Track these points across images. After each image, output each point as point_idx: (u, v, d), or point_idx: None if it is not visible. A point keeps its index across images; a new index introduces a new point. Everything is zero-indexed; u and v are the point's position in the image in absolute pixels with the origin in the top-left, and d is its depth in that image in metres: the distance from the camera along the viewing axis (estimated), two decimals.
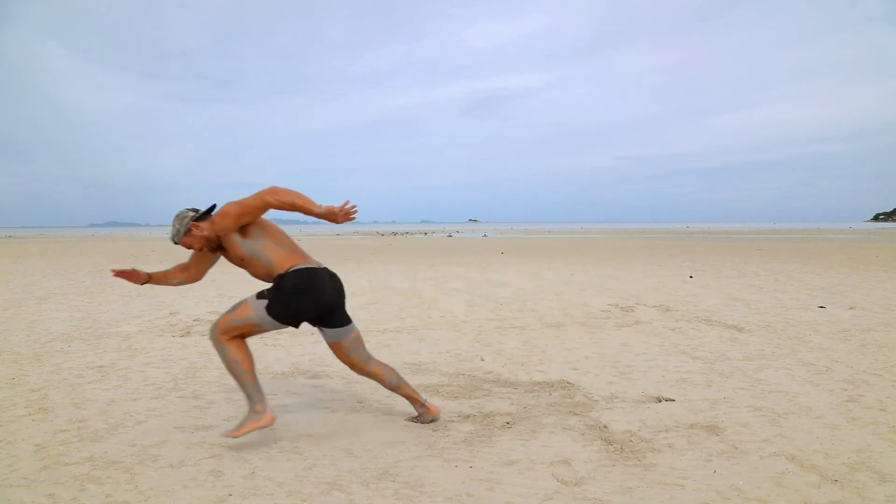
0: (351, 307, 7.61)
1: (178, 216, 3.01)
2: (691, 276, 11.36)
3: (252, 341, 5.58)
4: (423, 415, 3.35)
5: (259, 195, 2.84)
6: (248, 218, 2.91)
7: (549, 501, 2.43)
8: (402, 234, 48.79)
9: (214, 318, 6.83)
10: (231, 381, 4.21)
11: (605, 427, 3.25)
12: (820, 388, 3.95)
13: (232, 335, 2.95)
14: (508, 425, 3.30)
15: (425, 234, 51.76)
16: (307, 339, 5.66)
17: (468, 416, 3.44)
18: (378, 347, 5.31)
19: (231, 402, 3.74)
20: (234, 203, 2.90)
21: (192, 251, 3.18)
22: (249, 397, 2.99)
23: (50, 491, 2.52)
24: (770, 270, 12.53)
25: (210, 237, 3.00)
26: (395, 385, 3.31)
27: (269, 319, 2.91)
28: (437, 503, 2.43)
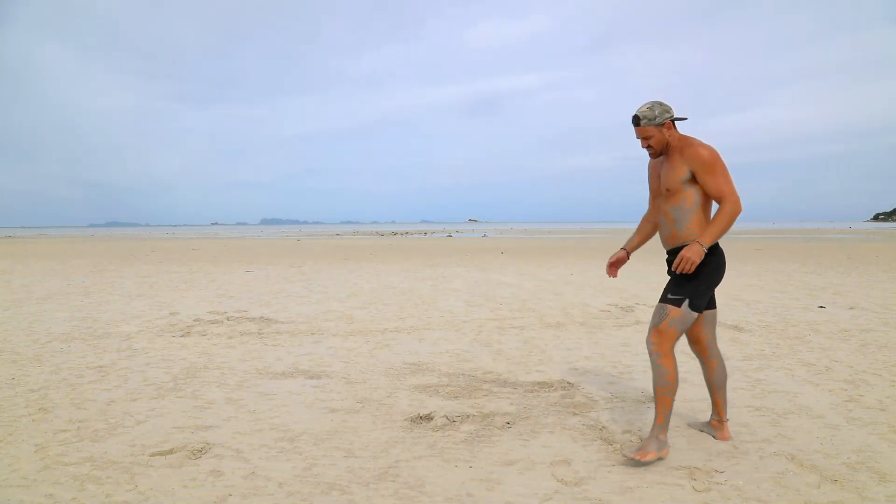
0: (351, 307, 7.61)
1: None
2: None
3: (252, 340, 5.58)
4: (717, 430, 3.11)
5: None
6: None
7: (549, 501, 2.43)
8: (401, 234, 48.79)
9: (214, 317, 6.82)
10: (233, 380, 4.21)
11: (604, 427, 3.25)
12: (820, 388, 3.95)
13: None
14: (508, 425, 3.30)
15: (425, 234, 51.75)
16: (307, 339, 5.66)
17: (468, 416, 3.44)
18: (378, 347, 5.31)
19: (231, 402, 3.74)
20: None
21: None
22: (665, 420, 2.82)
23: (50, 491, 2.52)
24: (770, 270, 12.53)
25: None
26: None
27: None
28: (436, 503, 2.43)
